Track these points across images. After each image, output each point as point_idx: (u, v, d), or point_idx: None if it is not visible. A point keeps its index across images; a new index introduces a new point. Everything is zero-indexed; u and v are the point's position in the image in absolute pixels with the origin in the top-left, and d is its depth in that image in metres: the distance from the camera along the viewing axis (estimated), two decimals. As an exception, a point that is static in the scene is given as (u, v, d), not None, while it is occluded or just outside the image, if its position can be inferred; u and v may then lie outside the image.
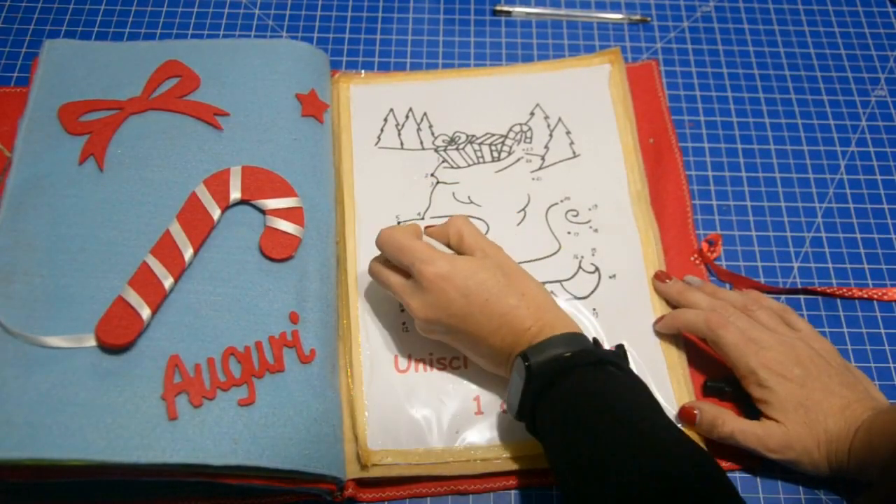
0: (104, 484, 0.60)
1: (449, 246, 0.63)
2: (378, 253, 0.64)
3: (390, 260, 0.63)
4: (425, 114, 0.77)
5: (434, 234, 0.64)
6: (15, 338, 0.58)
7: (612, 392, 0.54)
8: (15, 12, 0.84)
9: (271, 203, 0.66)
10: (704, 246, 0.72)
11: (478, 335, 0.59)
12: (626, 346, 0.65)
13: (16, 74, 0.80)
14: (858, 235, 0.74)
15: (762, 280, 0.71)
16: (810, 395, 0.59)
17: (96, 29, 0.83)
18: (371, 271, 0.65)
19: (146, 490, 0.60)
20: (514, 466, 0.62)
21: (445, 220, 0.67)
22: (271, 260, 0.64)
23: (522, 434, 0.62)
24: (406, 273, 0.62)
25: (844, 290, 0.71)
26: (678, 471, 0.48)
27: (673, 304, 0.68)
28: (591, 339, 0.59)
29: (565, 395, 0.54)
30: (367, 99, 0.78)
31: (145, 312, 0.59)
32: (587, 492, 0.49)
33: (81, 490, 0.60)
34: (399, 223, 0.71)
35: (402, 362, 0.65)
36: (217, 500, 0.60)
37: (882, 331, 0.69)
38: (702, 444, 0.62)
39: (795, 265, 0.72)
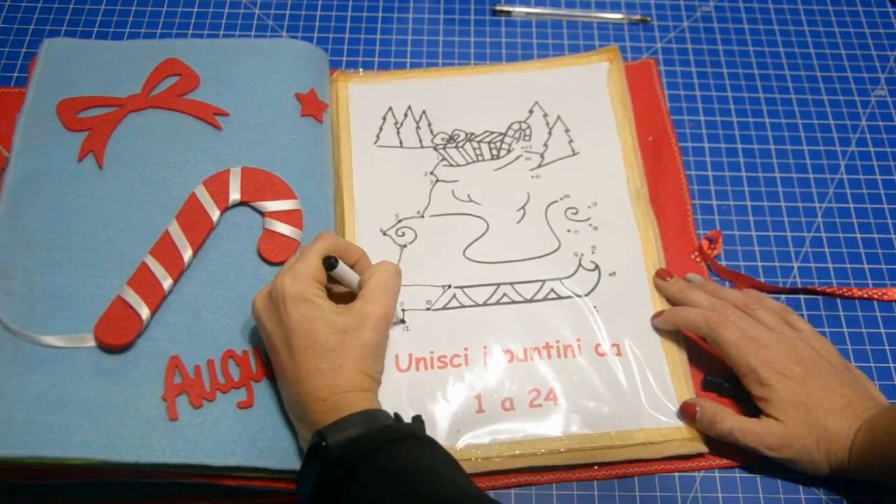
0: (103, 485, 0.60)
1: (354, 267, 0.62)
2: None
3: None
4: (424, 112, 0.77)
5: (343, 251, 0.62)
6: (15, 335, 0.58)
7: (415, 471, 0.50)
8: (15, 12, 0.84)
9: (270, 205, 0.66)
10: (705, 243, 0.72)
11: (282, 371, 0.57)
12: (628, 346, 0.65)
13: (16, 74, 0.80)
14: (858, 235, 0.74)
15: (762, 280, 0.71)
16: (811, 393, 0.59)
17: (96, 29, 0.83)
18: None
19: (145, 491, 0.60)
20: (514, 465, 0.62)
21: (445, 217, 0.68)
22: (270, 263, 0.64)
23: (523, 433, 0.63)
24: None
25: (844, 290, 0.71)
26: None
27: (674, 303, 0.68)
28: (391, 413, 0.56)
29: (370, 480, 0.49)
30: (365, 97, 0.78)
31: (144, 312, 0.59)
32: None
33: (81, 490, 0.60)
34: (399, 220, 0.71)
35: (403, 361, 0.65)
36: (216, 500, 0.60)
37: (882, 331, 0.69)
38: (702, 440, 0.63)
39: (795, 265, 0.72)
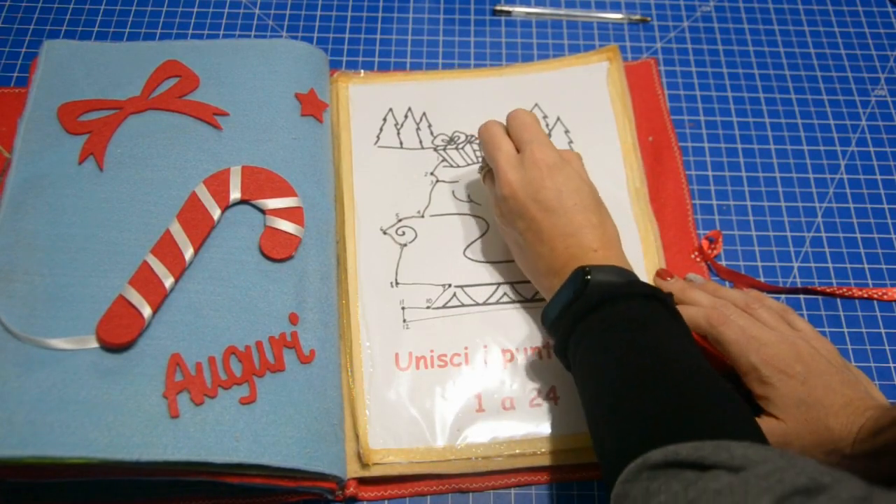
0: (105, 484, 0.60)
1: None
2: None
3: (511, 131, 0.66)
4: (424, 113, 0.77)
5: None
6: (16, 338, 0.58)
7: (653, 324, 0.55)
8: (15, 12, 0.84)
9: (271, 203, 0.66)
10: (705, 243, 0.72)
11: (548, 232, 0.61)
12: None
13: (16, 74, 0.80)
14: (858, 235, 0.74)
15: (762, 280, 0.71)
16: (812, 392, 0.58)
17: (96, 29, 0.83)
18: (486, 128, 0.67)
19: (147, 490, 0.60)
20: (514, 465, 0.62)
21: (446, 216, 0.68)
22: (271, 260, 0.64)
23: (523, 432, 0.63)
24: (518, 148, 0.65)
25: (844, 290, 0.71)
26: (697, 412, 0.49)
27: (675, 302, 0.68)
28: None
29: (608, 317, 0.55)
30: (366, 98, 0.78)
31: (146, 311, 0.59)
32: (599, 414, 0.52)
33: (82, 490, 0.60)
34: (399, 220, 0.72)
35: (403, 360, 0.65)
36: (218, 499, 0.60)
37: (882, 331, 0.69)
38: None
39: (795, 265, 0.72)
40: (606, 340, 0.54)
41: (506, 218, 0.64)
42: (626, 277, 0.58)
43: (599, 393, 0.53)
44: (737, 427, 0.49)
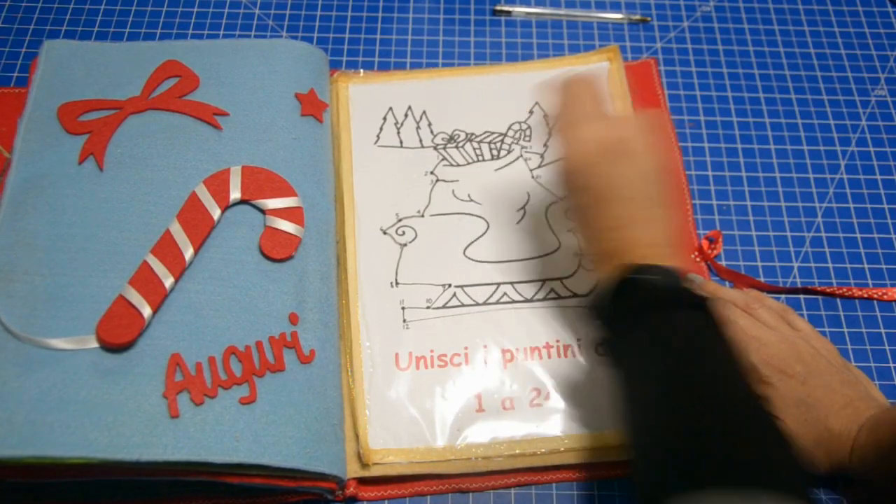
0: (105, 484, 0.60)
1: None
2: None
3: (575, 103, 0.63)
4: (424, 112, 0.77)
5: None
6: (16, 338, 0.58)
7: (701, 340, 0.52)
8: (15, 12, 0.84)
9: (271, 203, 0.66)
10: (705, 243, 0.72)
11: (602, 220, 0.58)
12: None
13: (16, 74, 0.80)
14: (858, 235, 0.74)
15: (762, 280, 0.71)
16: (812, 392, 0.59)
17: (96, 29, 0.83)
18: (569, 86, 0.64)
19: (147, 490, 0.60)
20: (514, 465, 0.62)
21: (446, 216, 0.69)
22: (271, 260, 0.64)
23: (523, 432, 0.63)
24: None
25: (844, 290, 0.71)
26: (737, 449, 0.47)
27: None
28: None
29: (656, 328, 0.53)
30: (365, 98, 0.78)
31: (146, 311, 0.59)
32: (640, 425, 0.51)
33: (82, 490, 0.60)
34: (399, 220, 0.72)
35: (403, 360, 0.65)
36: (218, 499, 0.60)
37: (882, 331, 0.69)
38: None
39: (795, 265, 0.72)
40: (653, 353, 0.52)
41: (568, 188, 0.62)
42: (675, 282, 0.55)
43: (641, 406, 0.52)
44: (774, 472, 0.48)
